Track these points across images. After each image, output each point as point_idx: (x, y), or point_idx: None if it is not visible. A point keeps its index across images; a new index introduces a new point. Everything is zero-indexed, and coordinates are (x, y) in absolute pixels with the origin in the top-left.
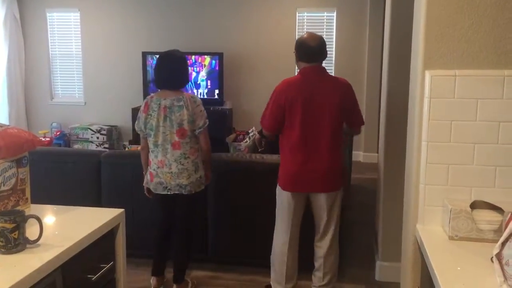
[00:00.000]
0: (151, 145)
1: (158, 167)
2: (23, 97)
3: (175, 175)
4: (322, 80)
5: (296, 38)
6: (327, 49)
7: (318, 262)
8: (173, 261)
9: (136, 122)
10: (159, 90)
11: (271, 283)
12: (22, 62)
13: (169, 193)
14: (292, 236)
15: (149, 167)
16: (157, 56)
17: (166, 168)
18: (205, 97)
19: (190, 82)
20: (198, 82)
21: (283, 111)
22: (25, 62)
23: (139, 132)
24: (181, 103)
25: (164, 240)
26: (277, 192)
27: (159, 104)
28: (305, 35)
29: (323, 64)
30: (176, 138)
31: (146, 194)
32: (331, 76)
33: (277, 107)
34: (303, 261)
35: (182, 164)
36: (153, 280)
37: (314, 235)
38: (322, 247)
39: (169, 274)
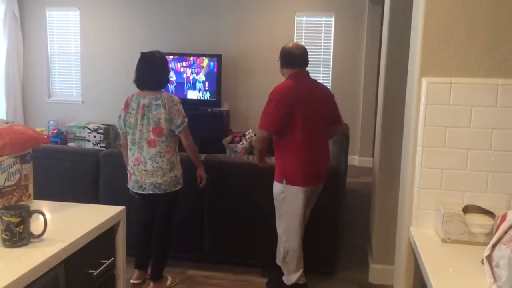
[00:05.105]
0: (129, 143)
1: (134, 165)
2: (20, 95)
3: (150, 173)
4: (313, 83)
5: (295, 41)
6: (326, 54)
7: None
8: (151, 260)
9: (117, 120)
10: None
11: (288, 276)
12: (20, 60)
13: (143, 192)
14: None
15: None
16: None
17: (142, 166)
18: (203, 98)
19: (170, 83)
20: (196, 83)
21: (288, 111)
22: (24, 60)
23: (119, 130)
24: (159, 101)
25: (146, 235)
26: (289, 191)
27: (138, 102)
28: (290, 44)
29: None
30: (152, 136)
31: (132, 192)
32: (315, 79)
33: (282, 106)
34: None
35: (157, 162)
36: (136, 273)
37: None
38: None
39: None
